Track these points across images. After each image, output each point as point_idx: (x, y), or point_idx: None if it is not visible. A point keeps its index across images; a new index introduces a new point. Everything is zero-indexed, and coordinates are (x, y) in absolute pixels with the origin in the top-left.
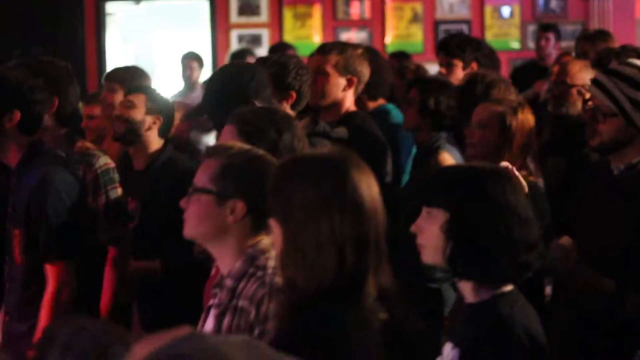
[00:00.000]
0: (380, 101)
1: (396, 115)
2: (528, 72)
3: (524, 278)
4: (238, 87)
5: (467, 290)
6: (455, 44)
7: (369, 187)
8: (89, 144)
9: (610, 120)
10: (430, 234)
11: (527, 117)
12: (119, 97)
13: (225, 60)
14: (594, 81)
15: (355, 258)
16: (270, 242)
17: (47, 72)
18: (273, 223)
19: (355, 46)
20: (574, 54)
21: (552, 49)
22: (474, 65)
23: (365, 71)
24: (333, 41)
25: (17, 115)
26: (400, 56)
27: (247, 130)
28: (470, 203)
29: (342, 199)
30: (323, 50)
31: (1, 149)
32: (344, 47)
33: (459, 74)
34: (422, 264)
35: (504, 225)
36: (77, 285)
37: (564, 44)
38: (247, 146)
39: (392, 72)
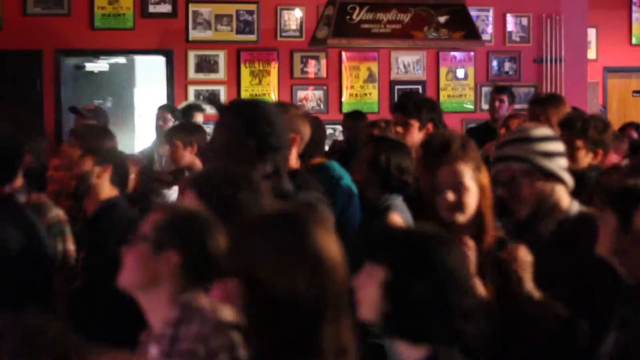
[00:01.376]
0: (319, 159)
1: (337, 169)
2: (481, 133)
3: (458, 344)
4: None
5: (401, 349)
6: (412, 104)
7: (329, 243)
8: (42, 196)
9: (527, 181)
10: (368, 291)
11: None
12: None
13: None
14: (499, 158)
15: (312, 313)
16: (208, 301)
17: (16, 125)
18: (229, 282)
19: (296, 106)
20: (525, 117)
21: (506, 111)
22: (430, 126)
23: (306, 130)
24: (275, 102)
25: None
26: (356, 115)
27: (204, 191)
28: (409, 263)
29: (300, 254)
30: None
31: None
32: (286, 107)
33: (415, 134)
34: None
35: (440, 289)
36: None
37: (517, 106)
38: (195, 208)
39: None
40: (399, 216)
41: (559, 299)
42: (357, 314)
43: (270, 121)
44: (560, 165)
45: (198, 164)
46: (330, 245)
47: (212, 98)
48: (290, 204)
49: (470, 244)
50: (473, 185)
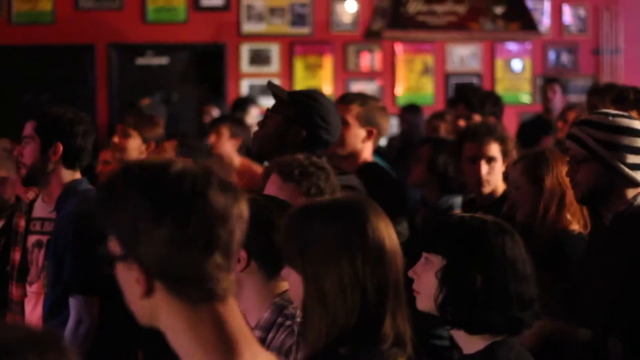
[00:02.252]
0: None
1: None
2: (534, 126)
3: (517, 333)
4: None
5: (460, 339)
6: (476, 98)
7: (388, 232)
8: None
9: (584, 167)
10: (425, 280)
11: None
12: (134, 142)
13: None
14: (568, 135)
15: (376, 300)
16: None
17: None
18: (289, 271)
19: (376, 99)
20: (582, 108)
21: (559, 103)
22: (491, 119)
23: (385, 124)
24: (355, 92)
25: (60, 148)
26: (412, 109)
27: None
28: (466, 252)
29: (364, 241)
30: (345, 100)
31: (44, 182)
32: (366, 98)
33: None
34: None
35: (499, 278)
36: (99, 322)
37: (575, 98)
38: (261, 198)
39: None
40: None
41: (609, 291)
42: (417, 304)
43: (324, 114)
44: (627, 162)
45: (236, 159)
46: (390, 234)
47: (272, 83)
48: (347, 194)
49: None
50: None
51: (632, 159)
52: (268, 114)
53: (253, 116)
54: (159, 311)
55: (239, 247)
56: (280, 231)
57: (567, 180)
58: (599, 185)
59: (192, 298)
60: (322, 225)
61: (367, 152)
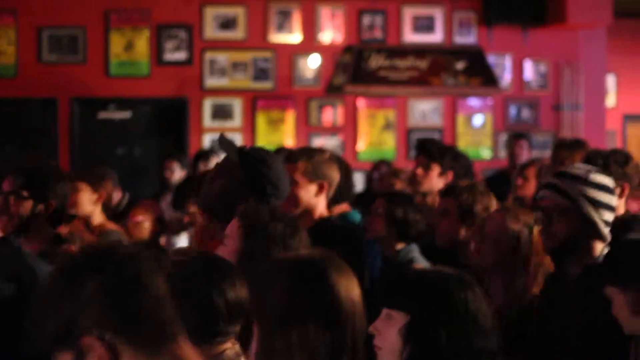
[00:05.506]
0: (344, 206)
1: (358, 219)
2: (499, 182)
3: None
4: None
5: None
6: (436, 148)
7: (348, 290)
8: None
9: (562, 217)
10: (388, 336)
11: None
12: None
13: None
14: (546, 185)
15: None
16: (234, 352)
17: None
18: (255, 327)
19: (322, 151)
20: (541, 164)
21: (525, 158)
22: (450, 174)
23: (334, 175)
24: (299, 148)
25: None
26: (383, 164)
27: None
28: (431, 308)
29: (317, 303)
30: (290, 159)
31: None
32: (311, 153)
33: (434, 178)
34: None
35: (463, 333)
36: None
37: (536, 153)
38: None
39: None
40: (423, 267)
41: (576, 346)
42: None
43: (274, 181)
44: (603, 218)
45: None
46: (351, 292)
47: (225, 139)
48: (309, 250)
49: None
50: None
51: (607, 216)
52: (216, 173)
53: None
54: None
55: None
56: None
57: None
58: (573, 236)
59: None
60: (278, 284)
61: (321, 207)
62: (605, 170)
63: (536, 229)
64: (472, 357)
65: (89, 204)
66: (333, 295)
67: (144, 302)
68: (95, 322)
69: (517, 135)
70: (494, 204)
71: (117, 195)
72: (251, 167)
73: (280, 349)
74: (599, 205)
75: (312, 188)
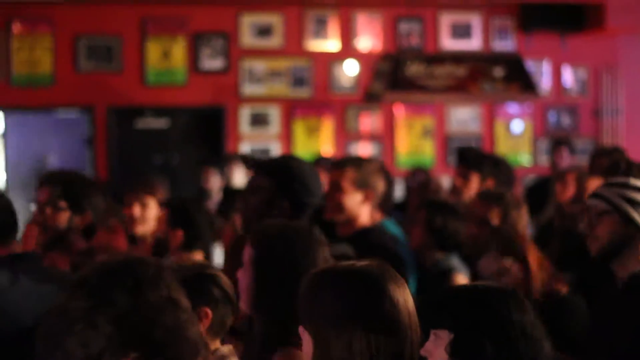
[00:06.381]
0: (382, 216)
1: (393, 229)
2: (540, 189)
3: None
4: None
5: None
6: (474, 156)
7: (406, 301)
8: None
9: (605, 219)
10: (437, 356)
11: None
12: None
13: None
14: (591, 195)
15: None
16: (229, 350)
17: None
18: (303, 331)
19: (371, 161)
20: (580, 170)
21: (566, 164)
22: (490, 182)
23: (381, 185)
24: (349, 156)
25: None
26: (420, 173)
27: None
28: (472, 322)
29: (379, 314)
30: (339, 165)
31: None
32: (360, 161)
33: (473, 187)
34: None
35: (509, 343)
36: None
37: (576, 159)
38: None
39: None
40: (463, 276)
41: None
42: None
43: (303, 180)
44: None
45: None
46: (407, 303)
47: (245, 157)
48: (360, 261)
49: None
50: None
51: None
52: (249, 189)
53: (240, 177)
54: None
55: None
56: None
57: None
58: (619, 239)
59: None
60: (336, 292)
61: (364, 216)
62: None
63: None
64: None
65: (154, 219)
66: (392, 305)
67: (176, 319)
68: (127, 342)
69: (558, 142)
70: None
71: None
72: (276, 174)
73: (337, 356)
74: (638, 205)
75: (358, 196)
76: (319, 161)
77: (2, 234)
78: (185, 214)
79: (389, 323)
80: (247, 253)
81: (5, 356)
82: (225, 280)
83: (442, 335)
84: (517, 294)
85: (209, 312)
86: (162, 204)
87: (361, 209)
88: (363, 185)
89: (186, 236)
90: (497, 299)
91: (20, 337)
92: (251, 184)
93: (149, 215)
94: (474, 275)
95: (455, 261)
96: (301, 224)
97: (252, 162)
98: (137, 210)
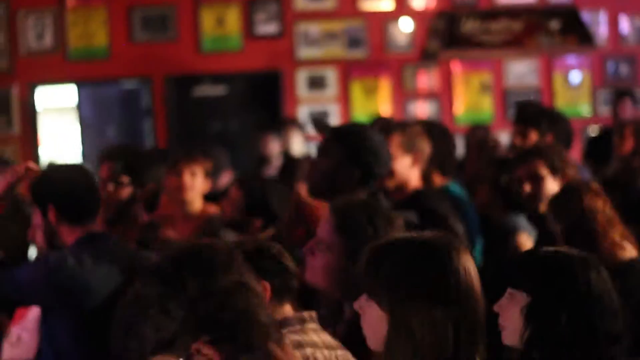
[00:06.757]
0: (444, 179)
1: (457, 192)
2: (603, 142)
3: None
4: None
5: None
6: (532, 113)
7: (471, 272)
8: None
9: None
10: (511, 316)
11: None
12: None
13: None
14: None
15: (468, 337)
16: (309, 315)
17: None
18: (369, 304)
19: (414, 123)
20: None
21: (630, 115)
22: (549, 138)
23: (426, 147)
24: (392, 121)
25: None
26: (479, 129)
27: (343, 225)
28: (551, 289)
29: (456, 279)
30: (384, 131)
31: None
32: (404, 125)
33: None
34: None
35: (585, 314)
36: None
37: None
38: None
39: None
40: (528, 236)
41: None
42: (502, 339)
43: (374, 150)
44: None
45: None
46: (475, 270)
47: (319, 121)
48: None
49: None
50: None
51: None
52: (318, 155)
53: (298, 141)
54: None
55: None
56: (362, 263)
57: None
58: None
59: None
60: (411, 261)
61: (415, 179)
62: None
63: None
64: (594, 340)
65: (200, 190)
66: (459, 276)
67: (247, 303)
68: (198, 326)
69: (621, 93)
70: None
71: (227, 176)
72: (350, 142)
73: (418, 326)
74: None
75: (407, 160)
76: (377, 121)
77: (80, 215)
78: (264, 203)
79: (466, 292)
80: (327, 232)
81: (93, 330)
82: (283, 252)
83: (518, 296)
84: (598, 264)
85: (267, 285)
86: (239, 183)
87: (411, 173)
88: (411, 148)
89: (264, 222)
90: (580, 268)
91: (102, 312)
92: (322, 148)
93: (196, 184)
94: (540, 235)
95: (521, 221)
96: (382, 204)
97: (324, 127)
98: (187, 178)
